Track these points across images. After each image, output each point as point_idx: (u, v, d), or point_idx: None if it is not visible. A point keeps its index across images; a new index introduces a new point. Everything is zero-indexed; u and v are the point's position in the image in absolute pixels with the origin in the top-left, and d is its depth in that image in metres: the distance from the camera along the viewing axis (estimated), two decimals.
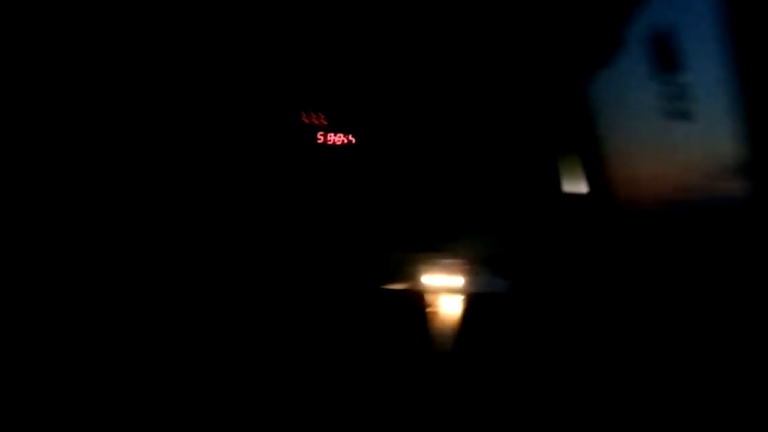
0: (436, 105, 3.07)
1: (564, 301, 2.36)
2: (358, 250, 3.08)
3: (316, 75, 2.99)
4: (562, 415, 2.05)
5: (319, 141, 3.12)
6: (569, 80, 2.62)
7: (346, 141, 3.13)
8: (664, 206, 2.30)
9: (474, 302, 2.42)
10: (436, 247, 3.01)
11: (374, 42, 2.58)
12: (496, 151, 3.07)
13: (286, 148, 3.13)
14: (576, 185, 2.73)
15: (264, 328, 2.41)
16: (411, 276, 2.90)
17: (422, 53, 2.64)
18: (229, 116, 3.08)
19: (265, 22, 2.37)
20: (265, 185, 3.12)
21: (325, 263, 3.05)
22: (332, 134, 3.13)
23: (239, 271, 2.92)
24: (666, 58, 2.04)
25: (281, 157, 3.13)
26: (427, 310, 2.46)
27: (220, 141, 3.07)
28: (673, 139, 2.17)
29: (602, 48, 2.29)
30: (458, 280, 2.87)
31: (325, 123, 3.14)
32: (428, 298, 2.51)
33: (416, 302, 2.46)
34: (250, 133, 3.14)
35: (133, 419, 2.00)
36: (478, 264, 2.92)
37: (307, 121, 3.14)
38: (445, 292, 2.80)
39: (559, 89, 2.77)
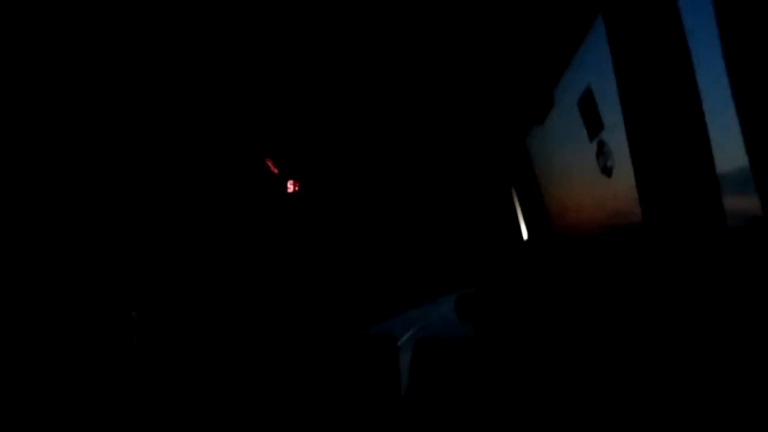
0: (387, 156, 3.23)
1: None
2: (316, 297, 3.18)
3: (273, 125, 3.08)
4: None
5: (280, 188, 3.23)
6: (510, 136, 2.83)
7: (295, 189, 3.25)
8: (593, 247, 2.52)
9: (434, 347, 2.55)
10: (388, 291, 3.14)
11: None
12: (454, 201, 3.26)
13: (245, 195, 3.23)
14: (522, 224, 2.92)
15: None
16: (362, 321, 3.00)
17: (378, 111, 2.77)
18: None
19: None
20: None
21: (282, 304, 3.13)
22: (290, 182, 3.25)
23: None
24: (590, 117, 2.25)
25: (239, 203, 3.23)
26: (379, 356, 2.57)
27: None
28: (598, 190, 2.38)
29: (537, 107, 2.50)
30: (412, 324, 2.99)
31: (277, 171, 3.25)
32: (380, 343, 2.63)
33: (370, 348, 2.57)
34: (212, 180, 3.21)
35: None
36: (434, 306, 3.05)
37: (269, 169, 3.25)
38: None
39: (502, 144, 2.98)
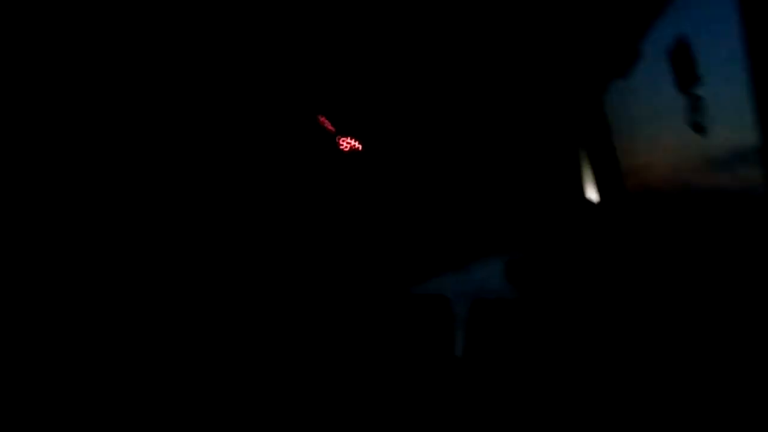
0: (457, 112, 3.10)
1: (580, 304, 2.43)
2: (374, 256, 3.13)
3: (328, 80, 2.99)
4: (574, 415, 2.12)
5: (337, 146, 3.14)
6: (588, 90, 2.68)
7: (355, 147, 3.16)
8: (673, 210, 2.39)
9: (493, 307, 2.49)
10: (451, 253, 3.07)
11: (390, 45, 2.59)
12: (514, 159, 3.12)
13: (300, 152, 3.15)
14: (591, 192, 2.80)
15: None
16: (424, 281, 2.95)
17: (439, 59, 2.65)
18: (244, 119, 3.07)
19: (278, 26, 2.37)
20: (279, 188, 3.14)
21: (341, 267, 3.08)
22: (343, 139, 3.16)
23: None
24: (684, 71, 2.09)
25: (295, 161, 3.15)
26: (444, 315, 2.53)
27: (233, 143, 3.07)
28: (688, 149, 2.24)
29: (621, 59, 2.34)
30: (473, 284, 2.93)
31: (333, 129, 3.16)
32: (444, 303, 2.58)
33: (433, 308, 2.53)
34: (264, 137, 3.14)
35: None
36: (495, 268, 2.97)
37: (323, 126, 3.15)
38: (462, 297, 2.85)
39: (578, 98, 2.82)
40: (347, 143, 3.15)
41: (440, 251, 3.21)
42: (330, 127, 3.13)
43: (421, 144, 3.23)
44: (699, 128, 2.07)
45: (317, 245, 3.25)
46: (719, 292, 1.99)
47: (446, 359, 2.51)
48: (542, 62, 2.54)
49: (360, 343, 2.55)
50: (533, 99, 2.92)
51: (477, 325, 2.53)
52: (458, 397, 2.33)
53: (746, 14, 1.43)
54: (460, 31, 2.32)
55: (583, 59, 2.46)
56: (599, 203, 2.77)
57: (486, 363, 2.43)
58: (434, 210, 3.26)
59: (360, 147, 3.15)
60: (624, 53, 2.29)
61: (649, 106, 2.38)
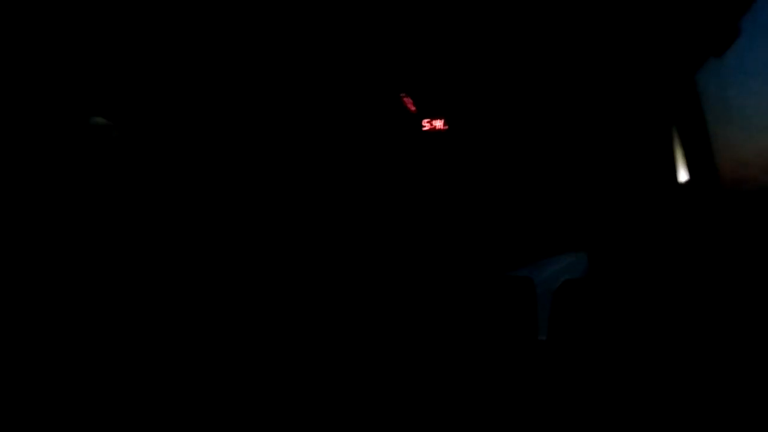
0: (538, 92, 3.07)
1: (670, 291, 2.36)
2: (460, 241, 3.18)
3: (410, 59, 3.00)
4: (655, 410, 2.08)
5: (422, 127, 3.19)
6: (680, 70, 2.57)
7: (440, 127, 3.20)
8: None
9: (582, 287, 2.44)
10: (537, 236, 3.07)
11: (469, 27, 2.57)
12: (601, 141, 3.06)
13: (382, 133, 3.25)
14: (682, 173, 2.70)
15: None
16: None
17: (520, 40, 2.61)
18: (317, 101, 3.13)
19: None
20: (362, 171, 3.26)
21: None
22: (426, 120, 3.21)
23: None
24: None
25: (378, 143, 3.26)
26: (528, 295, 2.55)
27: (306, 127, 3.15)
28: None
29: (718, 36, 2.23)
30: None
31: (415, 109, 3.20)
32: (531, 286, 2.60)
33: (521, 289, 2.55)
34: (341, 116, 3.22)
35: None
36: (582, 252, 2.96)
37: (405, 106, 3.21)
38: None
39: (669, 79, 2.71)
40: (431, 124, 3.20)
41: (521, 242, 3.21)
42: (412, 108, 3.19)
43: (507, 128, 3.21)
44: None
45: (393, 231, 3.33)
46: None
47: (531, 340, 2.51)
48: (633, 38, 2.46)
49: (446, 322, 2.59)
50: (623, 78, 2.83)
51: (564, 304, 2.46)
52: (542, 378, 2.34)
53: None
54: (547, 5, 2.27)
55: (677, 35, 2.36)
56: (690, 188, 2.67)
57: (571, 343, 2.39)
58: (517, 198, 3.26)
59: (444, 128, 3.19)
60: (721, 29, 2.18)
61: (745, 88, 2.26)
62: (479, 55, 2.74)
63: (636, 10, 2.21)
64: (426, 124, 3.20)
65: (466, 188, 3.43)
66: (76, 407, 1.95)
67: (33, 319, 1.97)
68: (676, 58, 2.52)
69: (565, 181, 3.29)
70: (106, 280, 2.26)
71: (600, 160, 3.12)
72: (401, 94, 3.20)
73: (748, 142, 2.47)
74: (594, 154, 3.14)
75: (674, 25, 2.31)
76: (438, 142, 3.24)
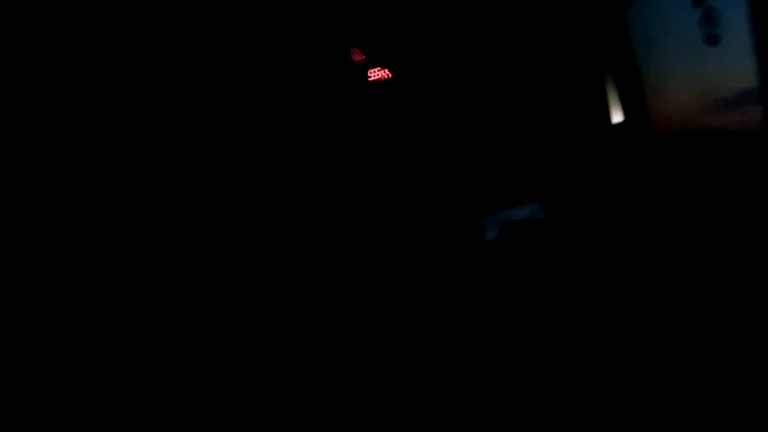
0: (474, 39, 3.07)
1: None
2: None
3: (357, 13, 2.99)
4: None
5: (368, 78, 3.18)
6: (610, 10, 2.59)
7: (386, 76, 3.20)
8: (693, 130, 2.33)
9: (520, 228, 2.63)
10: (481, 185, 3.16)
11: None
12: (537, 85, 3.08)
13: (332, 85, 3.23)
14: (615, 113, 2.75)
15: None
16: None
17: None
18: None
19: None
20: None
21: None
22: (373, 70, 3.20)
23: None
24: None
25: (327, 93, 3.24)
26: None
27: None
28: (704, 64, 2.16)
29: None
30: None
31: (365, 59, 3.19)
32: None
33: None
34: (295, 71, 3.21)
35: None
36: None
37: (353, 58, 3.20)
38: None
39: (597, 18, 2.73)
40: (377, 74, 3.20)
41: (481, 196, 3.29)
42: (360, 57, 3.17)
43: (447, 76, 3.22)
44: (712, 40, 2.00)
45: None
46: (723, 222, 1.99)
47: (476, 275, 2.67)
48: None
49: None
50: (559, 21, 2.85)
51: (504, 242, 2.65)
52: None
53: None
54: None
55: None
56: (623, 128, 2.72)
57: (511, 276, 2.54)
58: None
59: (389, 76, 3.19)
60: None
61: (665, 23, 2.29)
62: (422, 6, 2.77)
63: None
64: (373, 74, 3.20)
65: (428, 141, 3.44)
66: (76, 407, 1.94)
67: (33, 318, 1.97)
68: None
69: (514, 129, 3.32)
70: (105, 278, 2.26)
71: (540, 107, 3.15)
72: (350, 47, 3.20)
73: (675, 83, 2.51)
74: (535, 102, 3.17)
75: None
76: (384, 92, 3.24)
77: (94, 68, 2.35)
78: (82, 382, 2.02)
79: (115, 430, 1.95)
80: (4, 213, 1.98)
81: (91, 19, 2.21)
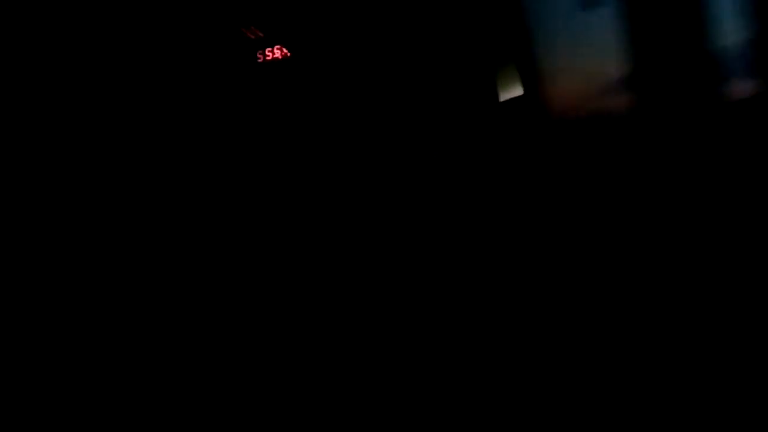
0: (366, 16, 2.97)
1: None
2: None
3: None
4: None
5: (258, 57, 3.03)
6: None
7: (283, 55, 3.04)
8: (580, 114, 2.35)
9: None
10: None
11: None
12: (431, 62, 2.98)
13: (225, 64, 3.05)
14: (510, 90, 2.69)
15: None
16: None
17: None
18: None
19: None
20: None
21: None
22: (270, 49, 3.04)
23: None
24: None
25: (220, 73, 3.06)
26: None
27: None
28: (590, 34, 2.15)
29: None
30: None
31: (262, 36, 3.04)
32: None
33: None
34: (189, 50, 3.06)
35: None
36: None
37: (247, 35, 3.05)
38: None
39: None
40: (273, 52, 3.03)
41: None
42: (253, 36, 3.01)
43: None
44: (589, 3, 1.99)
45: None
46: None
47: None
48: None
49: None
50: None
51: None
52: None
53: None
54: None
55: None
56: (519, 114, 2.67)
57: None
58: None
59: (288, 54, 3.02)
60: None
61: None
62: None
63: None
64: (269, 53, 3.03)
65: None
66: (76, 406, 1.95)
67: (33, 318, 1.99)
68: None
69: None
70: (105, 277, 2.26)
71: (434, 89, 3.05)
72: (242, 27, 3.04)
73: (571, 66, 2.49)
74: (429, 86, 3.07)
75: None
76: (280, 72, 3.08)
77: None
78: (82, 382, 2.02)
79: (115, 430, 1.96)
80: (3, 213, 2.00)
81: None
